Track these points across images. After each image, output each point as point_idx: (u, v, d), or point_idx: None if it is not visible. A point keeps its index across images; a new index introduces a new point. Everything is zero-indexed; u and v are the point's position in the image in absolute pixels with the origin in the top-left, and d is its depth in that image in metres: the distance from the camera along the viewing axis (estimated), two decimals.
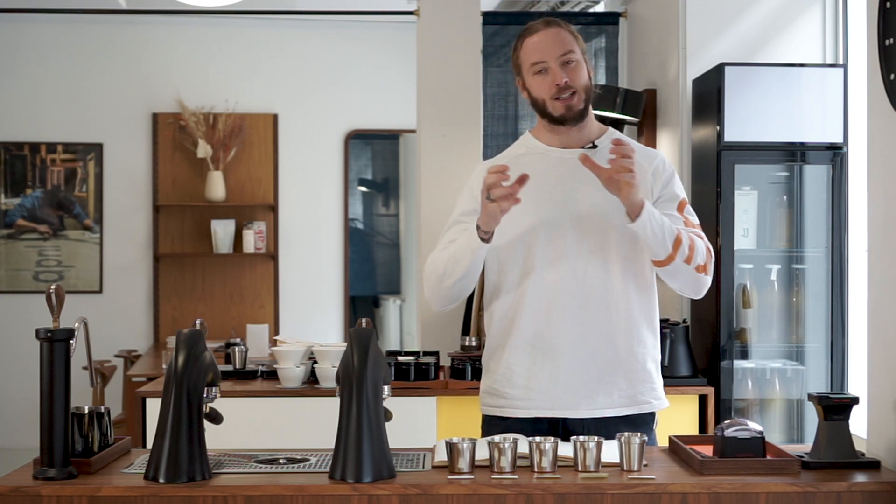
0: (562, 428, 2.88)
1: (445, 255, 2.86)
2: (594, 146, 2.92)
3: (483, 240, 2.76)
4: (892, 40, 2.69)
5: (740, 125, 4.21)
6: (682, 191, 2.95)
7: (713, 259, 2.87)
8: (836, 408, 2.60)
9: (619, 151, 2.70)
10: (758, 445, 2.55)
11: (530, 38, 2.88)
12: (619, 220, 2.80)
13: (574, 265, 2.84)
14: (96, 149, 7.87)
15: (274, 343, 4.45)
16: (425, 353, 4.46)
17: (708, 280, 2.87)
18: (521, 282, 2.87)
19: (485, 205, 2.72)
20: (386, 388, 2.50)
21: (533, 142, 2.97)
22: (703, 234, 2.90)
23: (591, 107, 2.92)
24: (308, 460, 2.61)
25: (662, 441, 2.92)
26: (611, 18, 5.67)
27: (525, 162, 2.90)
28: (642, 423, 2.90)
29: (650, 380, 2.91)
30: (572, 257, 2.84)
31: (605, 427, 2.83)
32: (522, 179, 2.68)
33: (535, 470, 2.48)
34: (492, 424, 2.94)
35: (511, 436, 2.57)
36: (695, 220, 2.92)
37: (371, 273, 8.64)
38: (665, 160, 2.96)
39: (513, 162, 2.87)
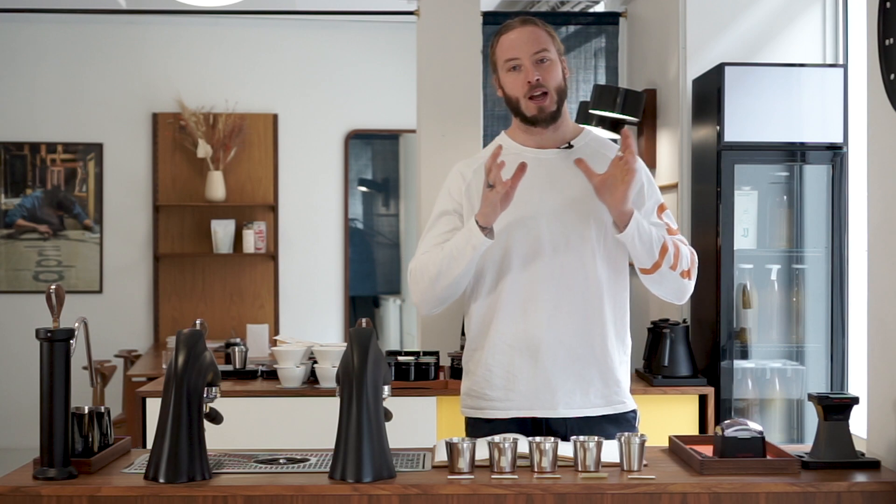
0: (545, 428, 2.86)
1: (439, 256, 2.82)
2: (570, 146, 2.92)
3: (484, 235, 2.75)
4: (892, 40, 2.69)
5: (740, 125, 4.21)
6: (659, 194, 2.96)
7: (696, 264, 2.88)
8: (836, 408, 2.60)
9: (630, 148, 2.70)
10: (758, 445, 2.55)
11: (506, 35, 2.87)
12: (594, 221, 2.82)
13: (550, 265, 2.83)
14: (96, 149, 7.87)
15: (274, 343, 4.45)
16: (425, 353, 4.46)
17: (691, 285, 2.88)
18: (498, 283, 2.86)
19: (485, 195, 2.71)
20: (386, 388, 2.50)
21: (508, 142, 2.96)
22: (685, 240, 2.91)
23: (565, 107, 2.93)
24: (308, 460, 2.61)
25: (661, 441, 2.92)
26: (611, 18, 5.67)
27: None
28: (624, 421, 2.90)
29: (620, 380, 2.90)
30: (548, 257, 2.83)
31: (588, 426, 2.83)
32: (523, 168, 2.69)
33: (535, 470, 2.48)
34: (476, 427, 2.92)
35: (511, 436, 2.57)
36: (674, 224, 2.92)
37: (371, 273, 8.63)
38: (643, 164, 2.94)
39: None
